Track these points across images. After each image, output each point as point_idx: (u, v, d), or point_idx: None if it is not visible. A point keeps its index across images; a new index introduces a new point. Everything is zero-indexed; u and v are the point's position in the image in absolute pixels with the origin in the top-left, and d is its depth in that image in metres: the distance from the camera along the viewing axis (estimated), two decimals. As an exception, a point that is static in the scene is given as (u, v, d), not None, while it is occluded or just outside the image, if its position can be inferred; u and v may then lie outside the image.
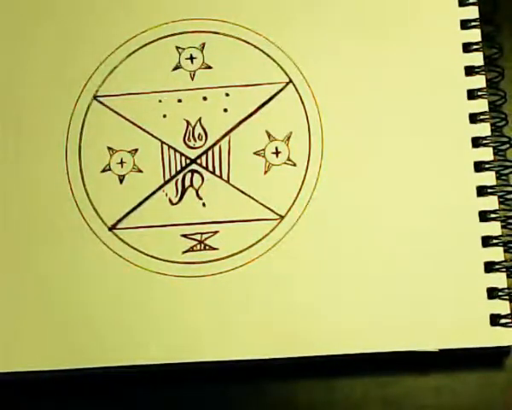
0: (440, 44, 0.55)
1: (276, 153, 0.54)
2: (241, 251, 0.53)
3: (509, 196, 0.53)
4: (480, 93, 0.54)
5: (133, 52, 0.56)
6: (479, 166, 0.53)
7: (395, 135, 0.54)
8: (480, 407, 0.52)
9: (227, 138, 0.55)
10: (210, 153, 0.55)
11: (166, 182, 0.54)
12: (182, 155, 0.55)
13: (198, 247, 0.53)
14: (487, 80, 0.54)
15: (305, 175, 0.54)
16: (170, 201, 0.54)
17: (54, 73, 0.54)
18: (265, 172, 0.54)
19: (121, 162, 0.55)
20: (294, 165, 0.54)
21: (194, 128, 0.55)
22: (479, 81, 0.54)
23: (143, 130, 0.55)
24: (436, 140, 0.53)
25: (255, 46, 0.56)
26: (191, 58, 0.56)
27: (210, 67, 0.56)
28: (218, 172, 0.54)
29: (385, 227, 0.52)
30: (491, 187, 0.53)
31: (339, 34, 0.56)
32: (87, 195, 0.54)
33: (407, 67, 0.55)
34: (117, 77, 0.56)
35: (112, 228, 0.54)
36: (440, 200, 0.53)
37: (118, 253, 0.53)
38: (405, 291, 0.51)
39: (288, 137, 0.54)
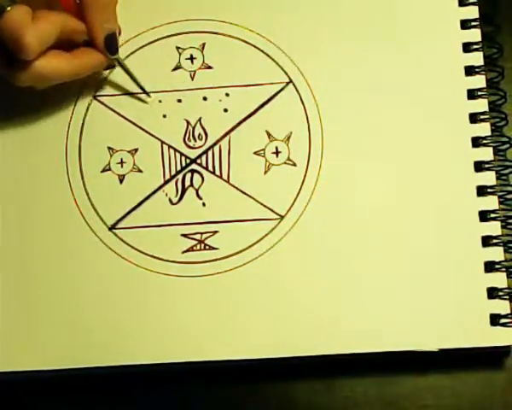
0: (440, 44, 0.55)
1: (276, 153, 0.54)
2: (240, 251, 0.53)
3: (509, 196, 0.53)
4: (480, 93, 0.54)
5: (133, 52, 0.56)
6: (479, 166, 0.53)
7: (395, 135, 0.54)
8: (480, 407, 0.52)
9: (227, 138, 0.55)
10: (210, 153, 0.55)
11: (166, 182, 0.54)
12: (182, 154, 0.55)
13: (198, 247, 0.53)
14: (487, 80, 0.54)
15: (305, 175, 0.54)
16: (170, 201, 0.54)
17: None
18: (265, 172, 0.54)
19: (121, 162, 0.55)
20: (294, 165, 0.54)
21: (194, 128, 0.55)
22: (479, 81, 0.54)
23: (143, 130, 0.55)
24: (436, 140, 0.53)
25: (255, 46, 0.56)
26: (191, 58, 0.56)
27: (210, 67, 0.56)
28: (218, 172, 0.54)
29: (385, 227, 0.52)
30: (491, 187, 0.53)
31: (339, 34, 0.56)
32: (87, 195, 0.54)
33: (407, 67, 0.55)
34: (117, 77, 0.56)
35: (112, 228, 0.54)
36: (440, 200, 0.53)
37: (118, 253, 0.53)
38: (405, 291, 0.51)
39: (288, 137, 0.54)
